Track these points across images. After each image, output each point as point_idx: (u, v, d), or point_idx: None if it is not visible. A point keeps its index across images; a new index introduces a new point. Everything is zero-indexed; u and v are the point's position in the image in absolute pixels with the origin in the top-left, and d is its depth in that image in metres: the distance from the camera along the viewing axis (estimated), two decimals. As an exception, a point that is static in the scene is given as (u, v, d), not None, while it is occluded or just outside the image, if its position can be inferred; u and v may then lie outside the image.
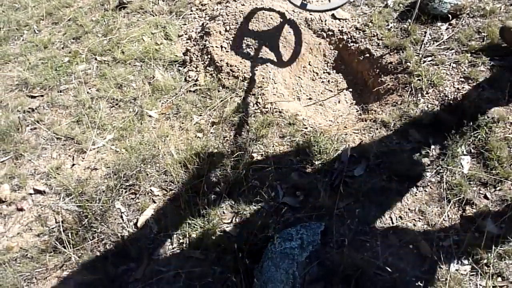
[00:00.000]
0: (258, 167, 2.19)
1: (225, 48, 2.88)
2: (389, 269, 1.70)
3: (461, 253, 1.71)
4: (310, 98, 2.76)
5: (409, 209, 1.92)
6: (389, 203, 1.94)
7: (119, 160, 2.32)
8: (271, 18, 2.91)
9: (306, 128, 2.35)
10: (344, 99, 2.74)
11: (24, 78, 2.92)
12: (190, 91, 2.71)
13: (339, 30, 2.92)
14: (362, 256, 1.75)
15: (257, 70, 2.72)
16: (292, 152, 2.24)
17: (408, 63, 2.51)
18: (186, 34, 3.14)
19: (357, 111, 2.61)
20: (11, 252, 2.03)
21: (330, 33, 2.92)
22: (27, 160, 2.44)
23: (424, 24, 2.73)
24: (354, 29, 2.89)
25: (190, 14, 3.30)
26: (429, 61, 2.51)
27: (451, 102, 2.24)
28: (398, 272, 1.70)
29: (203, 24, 3.12)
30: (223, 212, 2.05)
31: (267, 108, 2.49)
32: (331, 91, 2.79)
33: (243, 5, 3.01)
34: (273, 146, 2.29)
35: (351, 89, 2.77)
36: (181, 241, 1.98)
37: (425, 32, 2.68)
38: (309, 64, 2.91)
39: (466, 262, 1.70)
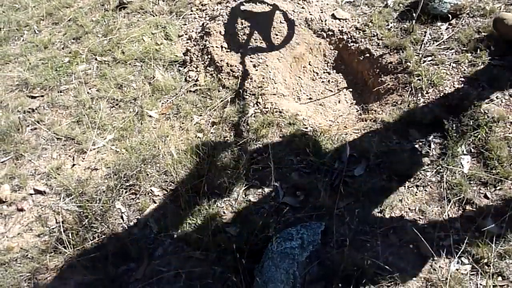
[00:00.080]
0: (258, 167, 2.20)
1: (225, 48, 2.88)
2: (390, 269, 1.70)
3: (461, 252, 1.71)
4: (310, 98, 2.76)
5: (409, 208, 1.92)
6: (389, 202, 1.94)
7: (120, 160, 2.32)
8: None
9: (306, 128, 2.35)
10: (344, 99, 2.74)
11: (25, 79, 2.92)
12: (190, 91, 2.71)
13: (339, 30, 2.92)
14: (363, 256, 1.75)
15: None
16: (292, 152, 2.24)
17: (408, 63, 2.51)
18: (186, 34, 3.14)
19: (357, 111, 2.61)
20: (12, 253, 2.03)
21: (330, 33, 2.92)
22: (27, 161, 2.44)
23: (424, 24, 2.73)
24: (354, 29, 2.89)
25: (190, 14, 3.31)
26: (429, 61, 2.51)
27: (451, 101, 2.24)
28: (398, 272, 1.70)
29: (203, 24, 3.12)
30: (223, 212, 2.05)
31: (267, 108, 2.49)
32: (331, 91, 2.80)
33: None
34: (273, 146, 2.29)
35: (351, 89, 2.77)
36: (181, 241, 1.98)
37: (425, 32, 2.68)
38: (309, 64, 2.91)
39: (466, 261, 1.70)
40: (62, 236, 2.01)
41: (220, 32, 2.95)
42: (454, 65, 2.43)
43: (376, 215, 1.91)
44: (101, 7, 3.55)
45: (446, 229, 1.80)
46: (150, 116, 2.59)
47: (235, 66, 2.75)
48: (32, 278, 1.92)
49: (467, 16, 2.69)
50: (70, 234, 2.02)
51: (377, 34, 2.78)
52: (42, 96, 2.83)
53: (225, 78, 2.72)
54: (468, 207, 1.86)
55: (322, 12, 3.01)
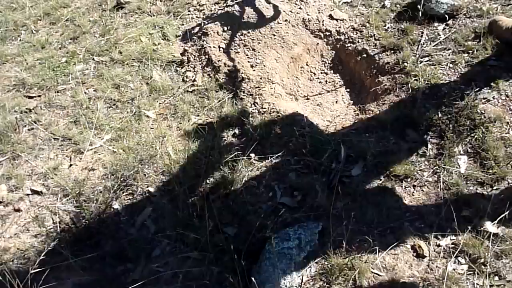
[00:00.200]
0: (256, 167, 2.20)
1: (223, 48, 2.88)
2: (387, 269, 1.70)
3: (458, 252, 1.72)
4: (307, 99, 2.76)
5: (406, 208, 1.92)
6: (386, 202, 1.95)
7: (117, 160, 2.31)
8: None
9: (304, 128, 2.35)
10: (341, 99, 2.74)
11: (22, 79, 2.91)
12: (187, 91, 2.71)
13: (336, 30, 2.92)
14: (360, 256, 1.75)
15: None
16: (290, 152, 2.24)
17: (405, 63, 2.52)
18: (183, 34, 3.14)
19: (354, 111, 2.62)
20: (8, 253, 2.02)
21: (328, 33, 2.93)
22: (24, 161, 2.43)
23: (421, 25, 2.73)
24: (352, 29, 2.89)
25: (188, 14, 3.30)
26: (426, 61, 2.51)
27: (448, 102, 2.25)
28: (395, 272, 1.70)
29: (200, 24, 3.12)
30: (221, 213, 2.05)
31: (264, 108, 2.49)
32: (329, 91, 2.80)
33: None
34: (270, 146, 2.29)
35: (348, 89, 2.78)
36: (178, 241, 1.97)
37: (422, 33, 2.68)
38: (307, 65, 2.92)
39: (463, 261, 1.71)
40: (59, 237, 2.01)
41: (217, 32, 2.95)
42: (451, 65, 2.44)
43: (373, 215, 1.91)
44: (98, 7, 3.55)
45: (443, 229, 1.81)
46: (147, 116, 2.59)
47: (233, 66, 2.75)
48: (29, 279, 1.91)
49: (464, 16, 2.70)
50: (67, 235, 2.01)
51: (374, 34, 2.78)
52: (39, 96, 2.82)
53: (222, 78, 2.72)
54: (465, 207, 1.86)
55: (319, 12, 3.01)
